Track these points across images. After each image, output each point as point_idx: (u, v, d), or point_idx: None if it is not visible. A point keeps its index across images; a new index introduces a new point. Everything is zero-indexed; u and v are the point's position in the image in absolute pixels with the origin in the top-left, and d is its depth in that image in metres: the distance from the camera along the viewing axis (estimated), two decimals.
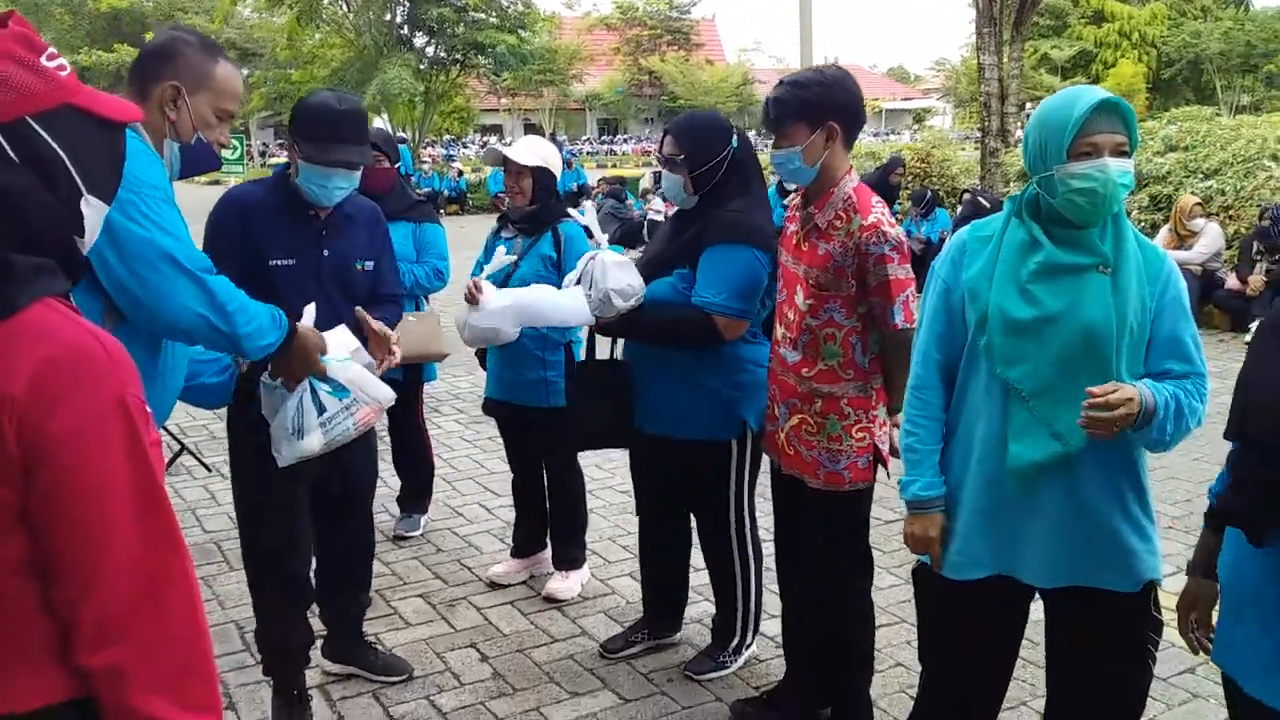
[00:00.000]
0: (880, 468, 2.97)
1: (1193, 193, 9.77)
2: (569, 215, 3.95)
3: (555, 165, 3.99)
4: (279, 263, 2.99)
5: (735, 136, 3.26)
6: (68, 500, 1.24)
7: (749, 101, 46.78)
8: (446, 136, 42.85)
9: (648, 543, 3.76)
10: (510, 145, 4.06)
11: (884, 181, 11.42)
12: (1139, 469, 2.29)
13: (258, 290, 2.53)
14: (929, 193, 12.19)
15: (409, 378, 4.66)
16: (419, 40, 29.18)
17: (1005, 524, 2.33)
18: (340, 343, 2.77)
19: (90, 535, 1.25)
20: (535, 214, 3.94)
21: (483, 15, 28.06)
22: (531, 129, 47.91)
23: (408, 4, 28.05)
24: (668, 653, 3.73)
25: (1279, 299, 1.90)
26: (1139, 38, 45.84)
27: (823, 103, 2.78)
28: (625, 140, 52.79)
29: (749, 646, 3.60)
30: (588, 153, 44.75)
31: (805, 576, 3.14)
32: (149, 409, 1.33)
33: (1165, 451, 2.27)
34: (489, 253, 3.92)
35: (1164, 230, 9.91)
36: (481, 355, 4.30)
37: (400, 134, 26.46)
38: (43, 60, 1.32)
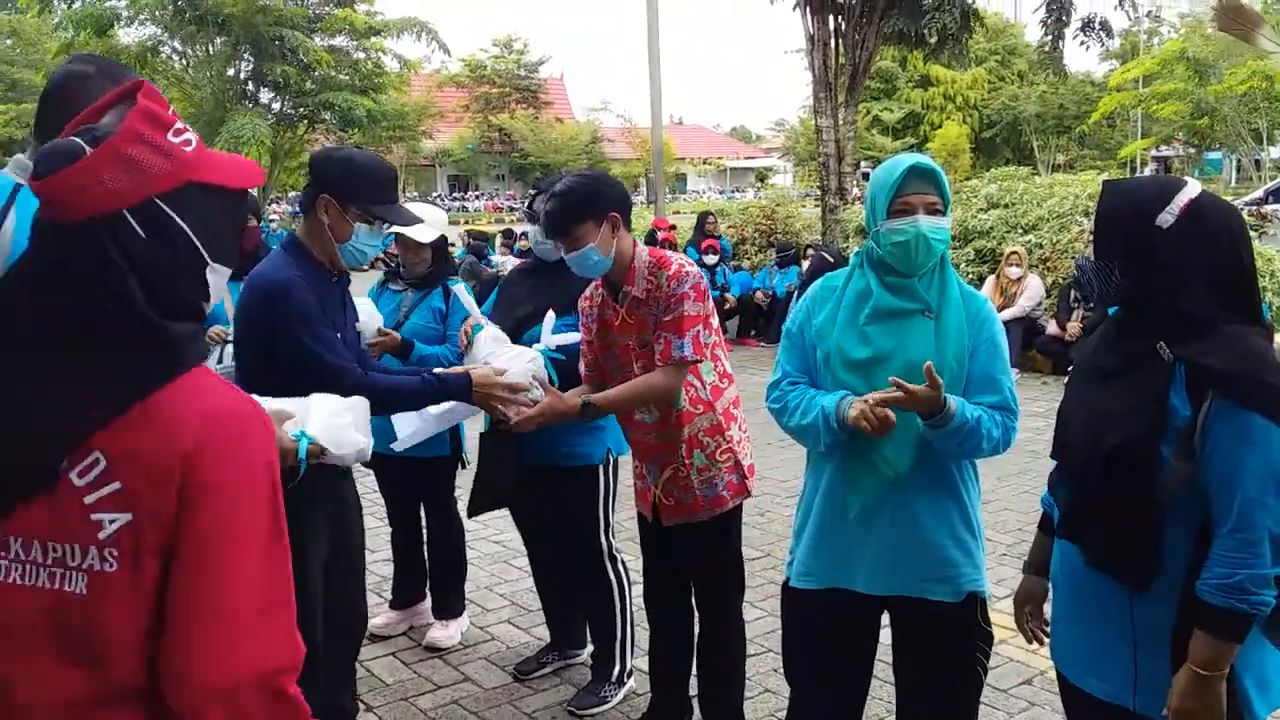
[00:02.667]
0: (749, 479, 3.22)
1: (1014, 251, 10.56)
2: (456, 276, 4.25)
3: (445, 229, 4.27)
4: (344, 334, 2.94)
5: None
6: (216, 543, 1.32)
7: (599, 160, 47.59)
8: (293, 193, 42.10)
9: (538, 570, 4.03)
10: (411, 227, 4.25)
11: (704, 234, 12.62)
12: (963, 492, 2.57)
13: (303, 371, 2.73)
14: (792, 248, 12.82)
15: None
16: (264, 96, 28.73)
17: (843, 544, 2.60)
18: (317, 409, 2.71)
19: (226, 577, 1.32)
20: (430, 274, 4.18)
21: (333, 74, 27.88)
22: None
23: (252, 60, 27.62)
24: (551, 691, 3.87)
25: (1087, 341, 2.13)
26: (962, 100, 48.72)
27: (598, 199, 3.10)
28: (477, 196, 52.90)
29: (630, 676, 3.78)
30: None
31: (682, 607, 3.36)
32: None
33: (955, 460, 2.52)
34: (379, 303, 4.13)
35: (990, 280, 10.68)
36: None
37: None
38: (169, 137, 1.36)
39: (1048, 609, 2.43)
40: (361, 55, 29.27)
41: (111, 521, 1.31)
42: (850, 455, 2.55)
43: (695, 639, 3.42)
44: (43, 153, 1.34)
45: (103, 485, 1.32)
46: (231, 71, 27.88)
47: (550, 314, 3.33)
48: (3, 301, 1.37)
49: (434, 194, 51.03)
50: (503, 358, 3.19)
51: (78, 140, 1.34)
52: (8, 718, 1.35)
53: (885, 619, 2.73)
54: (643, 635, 3.83)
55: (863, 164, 47.40)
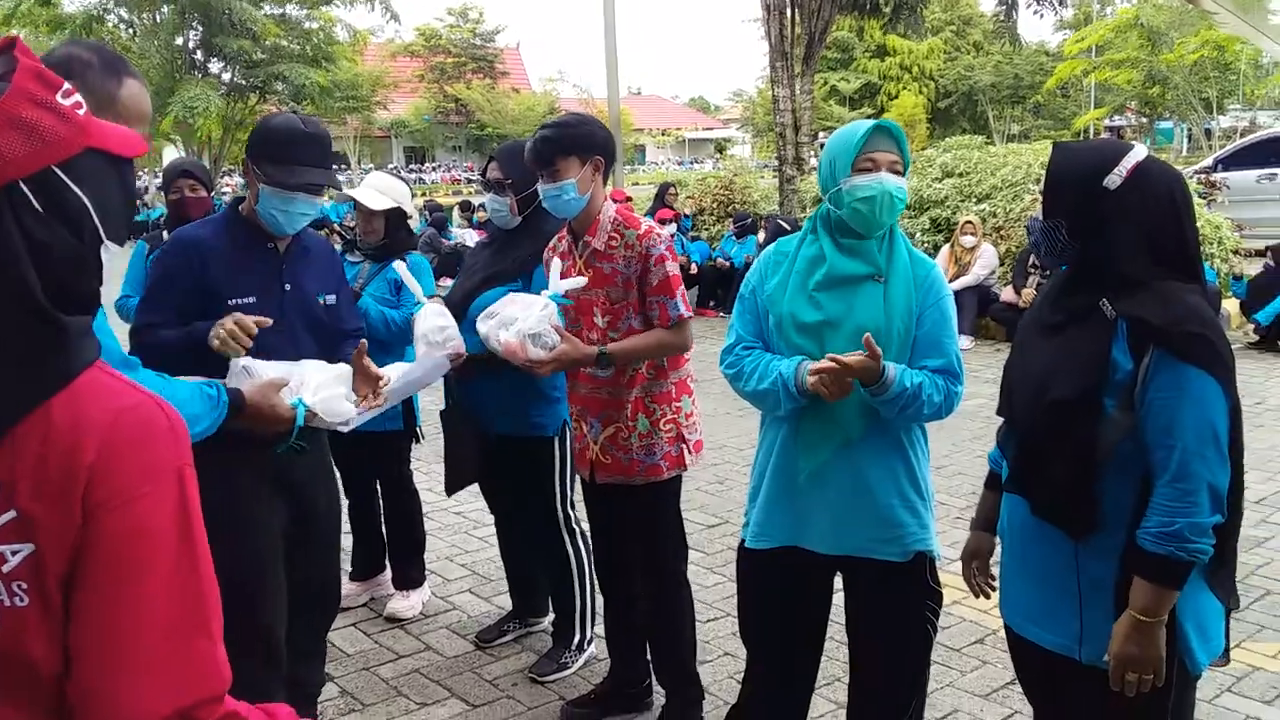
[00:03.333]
0: (690, 455, 3.25)
1: (968, 220, 10.65)
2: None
3: (406, 202, 4.20)
4: (239, 301, 2.80)
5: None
6: (118, 570, 1.18)
7: None
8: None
9: (502, 539, 4.09)
10: (358, 188, 4.19)
11: (663, 204, 12.79)
12: (911, 455, 2.62)
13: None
14: (749, 217, 12.85)
15: None
16: (214, 66, 28.22)
17: (796, 504, 2.65)
18: (311, 376, 2.69)
19: (130, 607, 1.18)
20: (385, 245, 4.15)
21: (284, 44, 27.40)
22: (335, 157, 46.86)
23: (200, 29, 27.09)
24: (512, 659, 3.91)
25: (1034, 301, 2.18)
26: (919, 71, 48.88)
27: (590, 139, 3.16)
28: (434, 168, 52.37)
29: (590, 643, 3.82)
30: None
31: (629, 572, 3.40)
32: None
33: (902, 425, 2.57)
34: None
35: (944, 249, 10.77)
36: None
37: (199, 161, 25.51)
38: (59, 99, 1.19)
39: (995, 566, 2.48)
40: (313, 25, 28.78)
41: (14, 553, 1.17)
42: (801, 418, 2.60)
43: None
44: None
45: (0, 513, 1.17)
46: (180, 40, 27.35)
47: (555, 260, 3.19)
48: None
49: (390, 165, 50.48)
50: (515, 305, 3.11)
51: None
52: None
53: (839, 580, 2.79)
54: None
55: (820, 134, 47.51)
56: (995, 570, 2.49)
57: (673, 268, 3.15)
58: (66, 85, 1.21)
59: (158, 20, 27.03)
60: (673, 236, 12.43)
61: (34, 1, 24.43)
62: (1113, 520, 2.09)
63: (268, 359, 2.65)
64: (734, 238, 12.70)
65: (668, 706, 3.41)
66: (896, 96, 47.51)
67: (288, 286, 2.93)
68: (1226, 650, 2.23)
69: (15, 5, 24.44)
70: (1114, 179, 2.09)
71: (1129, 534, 2.07)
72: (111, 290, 3.37)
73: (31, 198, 1.16)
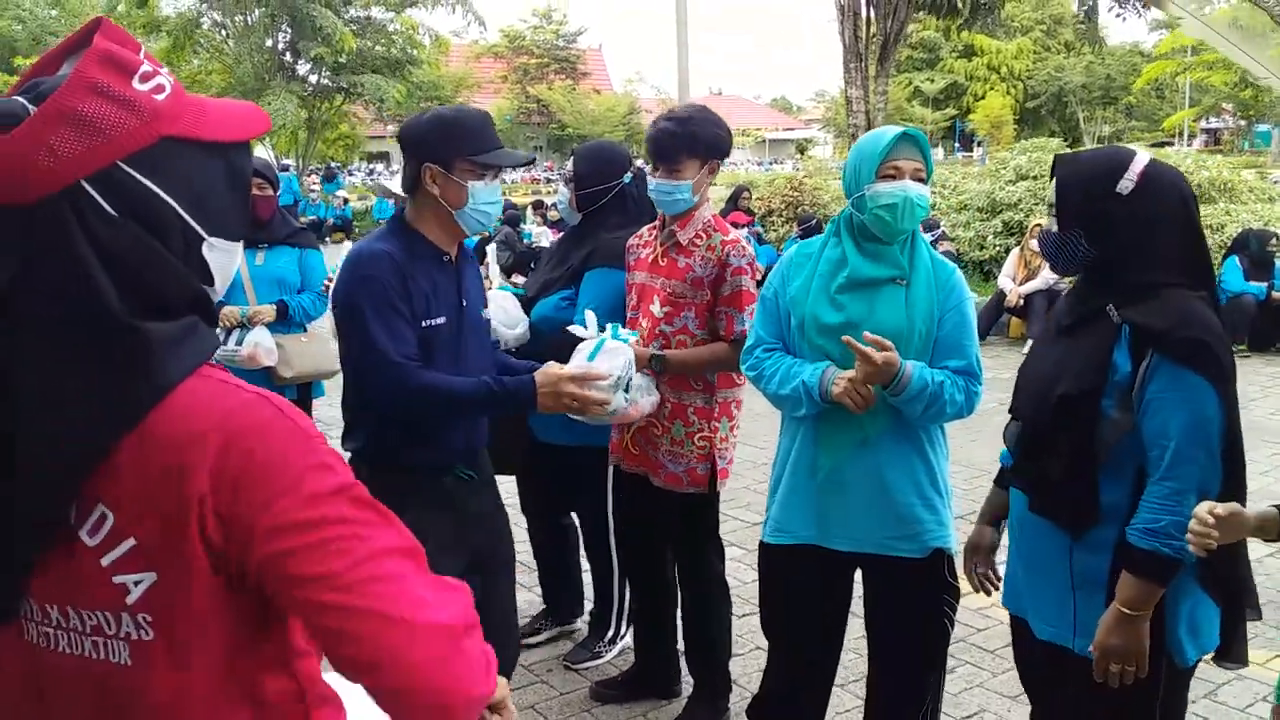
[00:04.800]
0: (717, 480, 3.26)
1: (1038, 224, 10.49)
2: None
3: None
4: (432, 323, 2.58)
5: (631, 171, 3.61)
6: (329, 578, 1.11)
7: (636, 131, 47.49)
8: (332, 164, 42.54)
9: (537, 541, 4.11)
10: (393, 179, 4.33)
11: (736, 207, 12.80)
12: (930, 453, 2.67)
13: (350, 348, 2.58)
14: (814, 218, 12.81)
15: (300, 395, 4.86)
16: (302, 68, 28.96)
17: (815, 501, 2.70)
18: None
19: (367, 606, 1.11)
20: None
21: (369, 45, 27.98)
22: None
23: (289, 31, 27.83)
24: (548, 646, 4.01)
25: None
26: (1007, 71, 48.02)
27: (710, 140, 3.15)
28: (514, 168, 52.92)
29: (623, 637, 3.91)
30: None
31: (659, 563, 3.49)
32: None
33: (924, 426, 2.61)
34: None
35: (1014, 252, 10.63)
36: None
37: (284, 162, 26.16)
38: (135, 84, 1.09)
39: (1000, 560, 2.53)
40: (396, 28, 29.34)
41: (136, 584, 1.11)
42: (821, 416, 2.65)
43: (677, 597, 3.53)
44: None
45: (116, 544, 1.10)
46: (270, 43, 28.13)
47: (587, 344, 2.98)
48: None
49: None
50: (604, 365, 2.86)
51: (19, 99, 1.08)
52: None
53: (858, 574, 2.84)
54: None
55: None
56: (1002, 570, 2.52)
57: (748, 283, 3.14)
58: (146, 67, 1.10)
59: (249, 23, 27.82)
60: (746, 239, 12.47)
61: (131, 4, 25.28)
62: (1108, 517, 2.14)
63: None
64: (798, 240, 12.69)
65: (694, 696, 3.48)
66: (983, 97, 46.73)
67: (465, 302, 2.70)
68: (1231, 651, 2.23)
69: (112, 6, 25.34)
70: (1126, 184, 2.12)
71: (1121, 531, 2.11)
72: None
73: (99, 199, 1.07)
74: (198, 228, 1.15)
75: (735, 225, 12.40)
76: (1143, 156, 2.18)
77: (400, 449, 2.61)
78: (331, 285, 4.03)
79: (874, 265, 2.64)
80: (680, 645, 3.59)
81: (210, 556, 1.10)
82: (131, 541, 1.10)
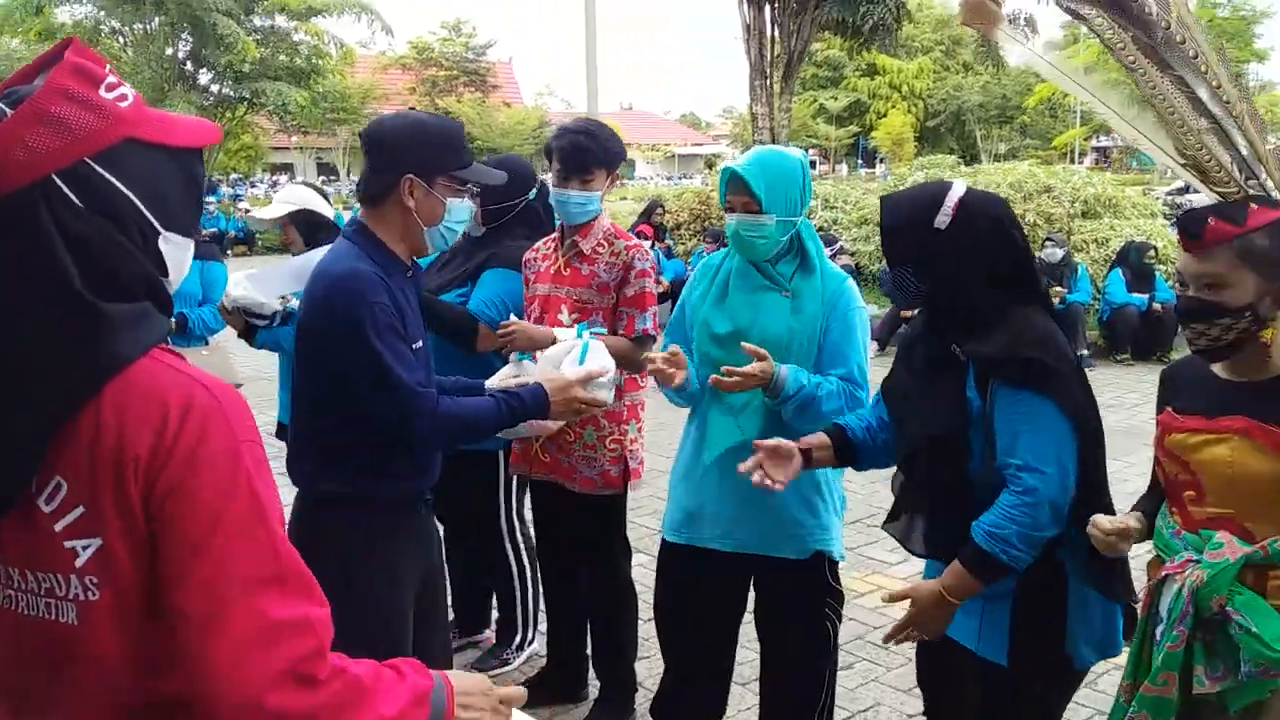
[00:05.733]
0: (629, 479, 3.38)
1: None
2: None
3: (312, 203, 4.02)
4: (417, 346, 2.44)
5: (536, 188, 3.67)
6: (187, 554, 1.19)
7: (545, 144, 47.46)
8: (234, 175, 41.59)
9: (452, 552, 4.10)
10: (264, 209, 4.23)
11: (648, 220, 12.91)
12: None
13: (367, 389, 2.34)
14: (723, 233, 12.99)
15: None
16: (203, 77, 28.38)
17: (698, 499, 2.83)
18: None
19: (196, 587, 1.19)
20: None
21: (273, 55, 27.55)
22: (325, 168, 47.08)
23: (190, 40, 27.26)
24: (457, 656, 4.03)
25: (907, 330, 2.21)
26: (908, 90, 49.28)
27: (617, 154, 3.30)
28: None
29: (531, 643, 3.96)
30: None
31: (570, 570, 3.55)
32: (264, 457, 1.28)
33: (803, 427, 2.64)
34: None
35: None
36: None
37: None
38: (101, 93, 1.21)
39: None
40: (302, 38, 28.96)
41: (85, 548, 1.20)
42: (709, 414, 2.78)
43: (587, 600, 3.61)
44: None
45: (68, 511, 1.20)
46: (170, 51, 27.52)
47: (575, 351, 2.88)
48: None
49: (299, 179, 50.18)
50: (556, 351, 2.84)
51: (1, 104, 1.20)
52: None
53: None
54: None
55: (809, 151, 47.58)
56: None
57: (650, 285, 3.27)
58: (111, 79, 1.23)
59: (148, 31, 27.18)
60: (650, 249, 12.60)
61: (26, 13, 24.50)
62: None
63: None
64: (706, 253, 12.86)
65: (601, 698, 3.56)
66: (885, 115, 47.86)
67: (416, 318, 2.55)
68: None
69: (7, 15, 24.54)
70: (943, 219, 2.21)
71: None
72: None
73: (68, 191, 1.19)
74: (154, 222, 1.26)
75: (641, 237, 12.56)
76: (958, 188, 2.27)
77: (383, 484, 2.42)
78: (287, 307, 3.89)
79: (760, 278, 2.78)
80: (588, 649, 3.66)
81: (132, 523, 1.20)
82: (81, 509, 1.20)
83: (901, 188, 12.71)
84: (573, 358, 2.71)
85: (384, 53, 43.49)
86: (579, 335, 2.78)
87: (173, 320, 4.57)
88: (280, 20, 28.37)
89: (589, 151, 3.21)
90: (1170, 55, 2.10)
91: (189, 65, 27.97)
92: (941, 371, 2.27)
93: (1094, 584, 2.23)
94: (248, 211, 25.47)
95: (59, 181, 1.19)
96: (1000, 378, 2.17)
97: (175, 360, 1.27)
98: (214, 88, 28.32)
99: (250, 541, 1.22)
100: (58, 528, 1.21)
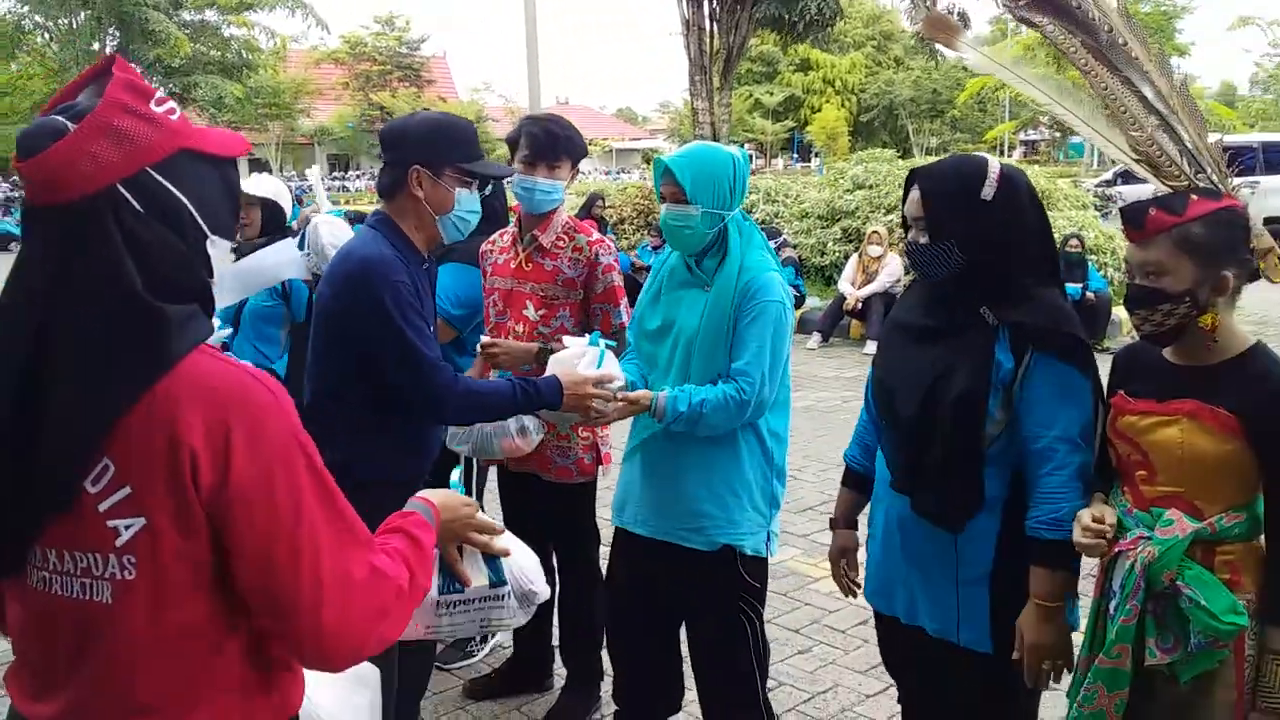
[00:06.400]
0: (600, 466, 3.44)
1: (875, 231, 11.03)
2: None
3: (284, 200, 4.23)
4: (430, 329, 2.58)
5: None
6: (267, 537, 1.30)
7: (484, 141, 47.18)
8: None
9: None
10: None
11: (590, 215, 12.67)
12: (743, 453, 2.80)
13: (390, 366, 2.50)
14: None
15: None
16: None
17: (626, 484, 2.93)
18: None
19: (291, 566, 1.31)
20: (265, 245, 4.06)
21: (204, 50, 27.08)
22: (257, 165, 46.24)
23: (118, 34, 26.65)
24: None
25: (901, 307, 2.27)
26: (841, 85, 49.85)
27: (581, 145, 3.34)
28: (358, 176, 51.91)
29: (494, 635, 3.99)
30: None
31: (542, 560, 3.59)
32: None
33: (706, 435, 2.74)
34: None
35: (853, 258, 11.15)
36: None
37: None
38: (153, 106, 1.31)
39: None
40: (234, 31, 28.46)
41: (127, 528, 1.28)
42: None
43: (555, 590, 3.65)
44: (23, 134, 1.28)
45: (114, 491, 1.28)
46: (96, 46, 26.88)
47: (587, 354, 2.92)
48: (12, 302, 1.30)
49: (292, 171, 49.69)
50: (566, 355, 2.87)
51: (58, 118, 1.28)
52: None
53: None
54: None
55: (745, 145, 47.87)
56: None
57: (618, 279, 3.33)
58: (160, 94, 1.34)
59: (74, 27, 26.53)
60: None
61: None
62: (988, 509, 2.25)
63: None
64: (651, 249, 12.91)
65: (568, 686, 3.61)
66: (819, 110, 48.33)
67: (431, 304, 2.71)
68: None
69: None
70: (989, 190, 2.23)
71: (1002, 522, 2.26)
72: None
73: (131, 198, 1.28)
74: (204, 226, 1.36)
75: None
76: (994, 161, 2.31)
77: (392, 462, 2.57)
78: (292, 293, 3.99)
79: (688, 274, 2.87)
80: (555, 639, 3.71)
81: (187, 509, 1.29)
82: (127, 490, 1.28)
83: (841, 179, 12.93)
84: (590, 360, 2.76)
85: (315, 47, 42.89)
86: (593, 344, 2.82)
87: None
88: (210, 15, 27.84)
89: (560, 139, 3.24)
90: (1115, 57, 2.21)
91: None
92: (964, 332, 2.27)
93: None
94: None
95: (123, 189, 1.28)
96: (1045, 349, 2.19)
97: (216, 352, 1.37)
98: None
99: (326, 510, 1.36)
100: (101, 508, 1.28)
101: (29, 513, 1.29)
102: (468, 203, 2.62)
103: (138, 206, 1.28)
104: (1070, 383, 2.20)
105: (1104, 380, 2.27)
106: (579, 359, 2.77)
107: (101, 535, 1.29)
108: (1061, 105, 2.32)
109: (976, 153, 2.52)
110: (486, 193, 2.71)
